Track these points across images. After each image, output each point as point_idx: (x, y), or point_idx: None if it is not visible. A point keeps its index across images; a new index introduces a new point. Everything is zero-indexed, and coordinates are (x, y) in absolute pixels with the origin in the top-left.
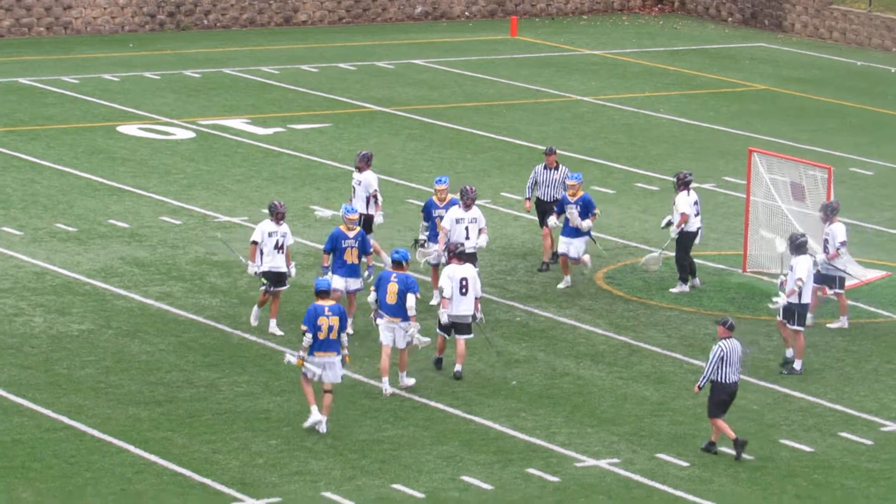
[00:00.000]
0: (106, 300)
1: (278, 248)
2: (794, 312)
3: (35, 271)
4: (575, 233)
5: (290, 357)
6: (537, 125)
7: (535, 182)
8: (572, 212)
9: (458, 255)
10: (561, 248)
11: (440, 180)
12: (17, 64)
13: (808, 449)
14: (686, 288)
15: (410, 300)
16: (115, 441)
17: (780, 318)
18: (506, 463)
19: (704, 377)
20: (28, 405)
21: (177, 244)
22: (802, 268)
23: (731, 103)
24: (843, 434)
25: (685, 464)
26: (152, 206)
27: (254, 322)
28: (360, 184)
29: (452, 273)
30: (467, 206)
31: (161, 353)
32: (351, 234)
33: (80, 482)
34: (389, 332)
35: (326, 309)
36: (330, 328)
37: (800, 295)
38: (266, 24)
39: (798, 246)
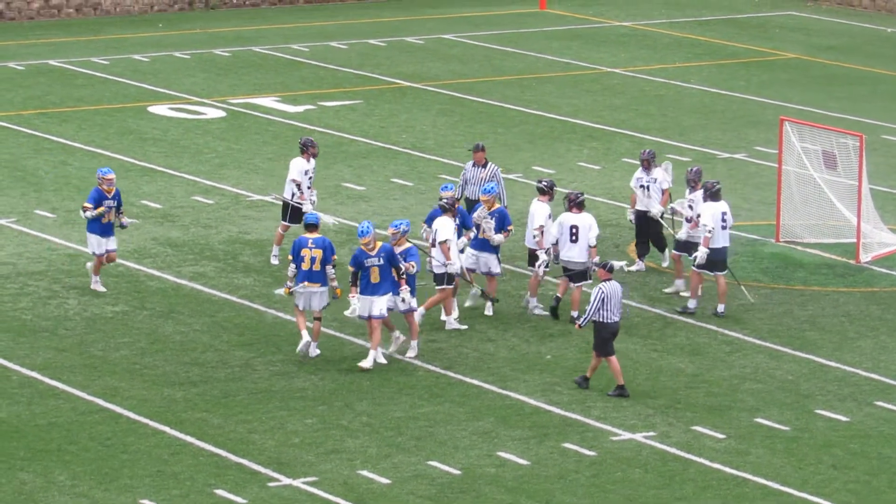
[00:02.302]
0: (139, 281)
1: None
2: (709, 260)
3: (68, 254)
4: (484, 246)
5: (279, 290)
6: (568, 98)
7: (465, 181)
8: (489, 223)
9: (577, 203)
10: (468, 262)
11: (445, 187)
12: (47, 46)
13: (843, 419)
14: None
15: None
16: (150, 423)
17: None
18: (542, 438)
19: (586, 317)
20: (63, 388)
21: (209, 224)
22: (707, 214)
23: (761, 73)
24: (879, 403)
25: (721, 436)
26: (184, 187)
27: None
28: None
29: (564, 220)
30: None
31: (195, 333)
32: (373, 253)
33: (116, 464)
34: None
35: (310, 241)
36: (313, 259)
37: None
38: (295, 2)
39: (713, 193)
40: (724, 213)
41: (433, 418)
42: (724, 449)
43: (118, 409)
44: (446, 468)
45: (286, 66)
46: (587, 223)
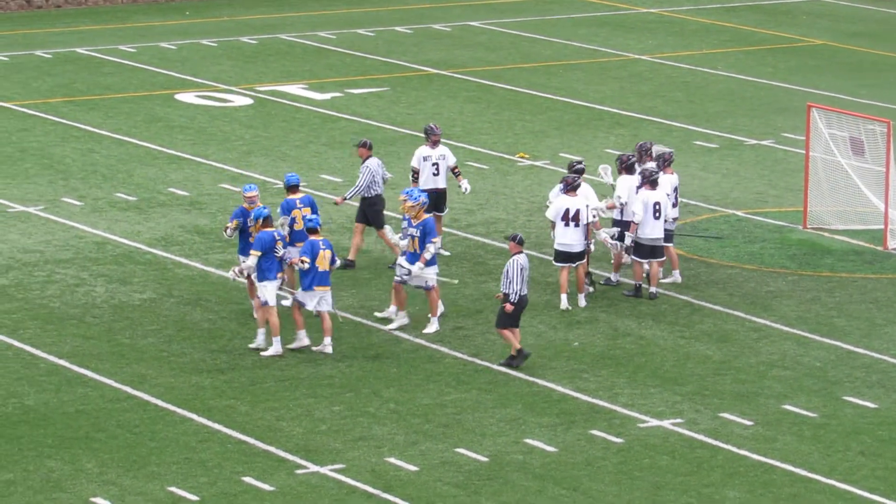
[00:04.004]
0: (167, 269)
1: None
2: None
3: (96, 241)
4: (415, 260)
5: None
6: (595, 85)
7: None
8: (413, 234)
9: (651, 181)
10: (401, 273)
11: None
12: (75, 34)
13: (871, 405)
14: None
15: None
16: (178, 410)
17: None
18: (569, 425)
19: (515, 293)
20: (91, 375)
21: None
22: (622, 187)
23: (788, 59)
24: None
25: (749, 423)
26: (212, 174)
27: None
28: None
29: (646, 198)
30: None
31: (223, 320)
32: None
33: (144, 452)
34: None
35: (298, 202)
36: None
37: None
38: None
39: (628, 167)
40: (656, 203)
41: (460, 405)
42: (751, 436)
43: (146, 397)
44: (474, 455)
45: (313, 54)
46: (663, 198)
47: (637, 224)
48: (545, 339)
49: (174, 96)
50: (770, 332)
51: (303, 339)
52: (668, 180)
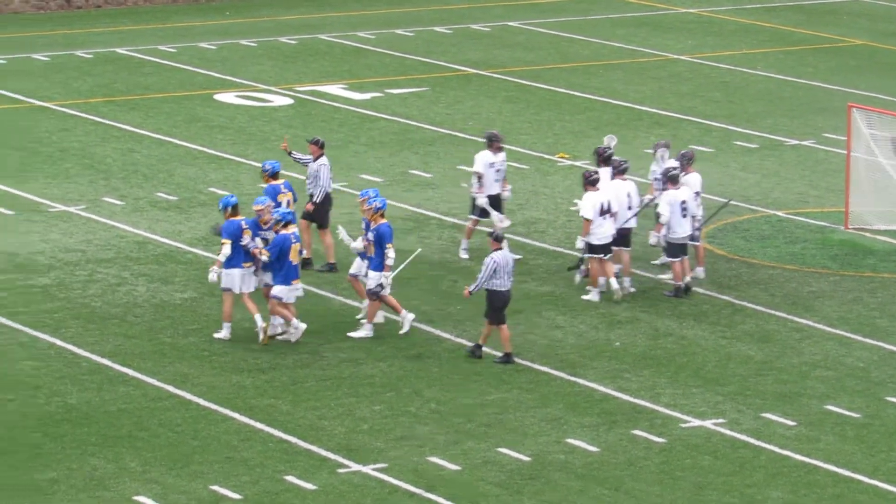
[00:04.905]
0: (208, 268)
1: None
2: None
3: (137, 241)
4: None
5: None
6: (634, 85)
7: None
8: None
9: (672, 178)
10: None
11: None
12: (115, 34)
13: None
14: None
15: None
16: (220, 409)
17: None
18: (611, 425)
19: (478, 285)
20: (133, 374)
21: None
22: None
23: (828, 59)
24: None
25: (791, 423)
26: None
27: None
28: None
29: (672, 197)
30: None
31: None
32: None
33: (186, 450)
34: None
35: (282, 186)
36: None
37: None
38: None
39: (671, 178)
40: (683, 202)
41: (502, 405)
42: (794, 436)
43: (188, 396)
44: (516, 455)
45: (352, 54)
46: (689, 197)
47: (663, 224)
48: (586, 339)
49: (214, 96)
50: (812, 333)
51: (299, 327)
52: (695, 179)
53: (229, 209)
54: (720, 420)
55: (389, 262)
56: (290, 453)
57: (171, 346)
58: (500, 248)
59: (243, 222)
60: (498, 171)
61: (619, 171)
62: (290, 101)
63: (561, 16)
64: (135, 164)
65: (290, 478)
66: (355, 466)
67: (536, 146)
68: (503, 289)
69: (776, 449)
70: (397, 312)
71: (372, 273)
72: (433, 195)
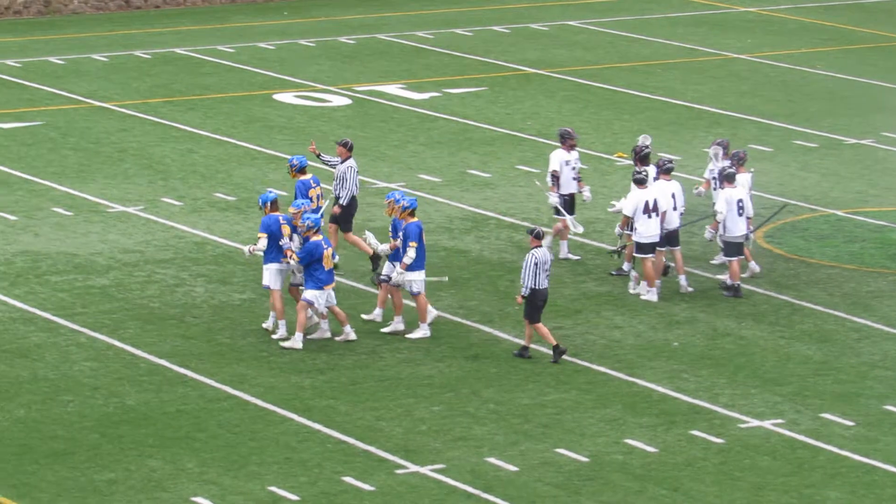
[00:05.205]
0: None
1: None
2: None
3: (195, 241)
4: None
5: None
6: (693, 84)
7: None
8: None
9: (728, 177)
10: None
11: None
12: (174, 34)
13: None
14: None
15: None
16: (278, 410)
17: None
18: (669, 425)
19: (526, 286)
20: (191, 375)
21: None
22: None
23: (889, 58)
24: None
25: (850, 423)
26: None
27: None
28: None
29: (729, 195)
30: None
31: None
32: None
33: (244, 451)
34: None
35: (311, 181)
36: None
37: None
38: None
39: (727, 176)
40: (739, 200)
41: (560, 405)
42: (853, 436)
43: (246, 397)
44: (574, 455)
45: (411, 54)
46: (745, 195)
47: (719, 221)
48: (645, 339)
49: (273, 96)
50: (871, 333)
51: (325, 331)
52: (745, 178)
53: (268, 205)
54: (779, 420)
55: (407, 260)
56: (348, 454)
57: (229, 347)
58: (540, 246)
59: (281, 218)
60: (573, 168)
61: (663, 171)
62: (348, 101)
63: (620, 15)
64: (193, 165)
65: (347, 479)
66: (413, 467)
67: (595, 146)
68: (542, 287)
69: (835, 449)
70: (375, 307)
71: (388, 263)
72: (491, 195)
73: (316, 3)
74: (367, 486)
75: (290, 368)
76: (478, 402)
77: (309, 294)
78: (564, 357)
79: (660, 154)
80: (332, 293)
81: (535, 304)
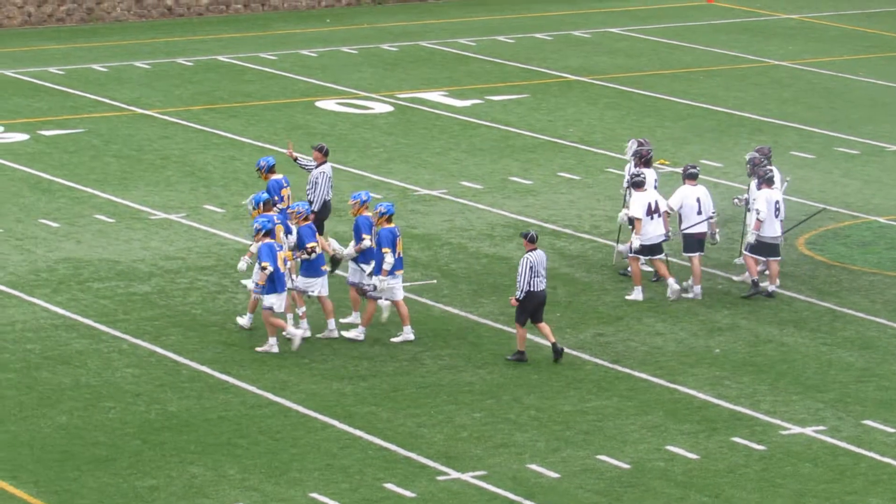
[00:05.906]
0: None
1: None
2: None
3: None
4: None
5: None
6: (735, 91)
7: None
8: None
9: (767, 180)
10: (356, 277)
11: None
12: (216, 42)
13: None
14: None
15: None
16: (319, 416)
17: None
18: (710, 432)
19: (521, 290)
20: (233, 382)
21: None
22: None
23: None
24: None
25: (892, 430)
26: (352, 181)
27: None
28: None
29: (769, 196)
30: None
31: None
32: None
33: (285, 458)
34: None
35: (283, 180)
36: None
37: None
38: None
39: (767, 179)
40: (777, 202)
41: (602, 412)
42: (895, 443)
43: (287, 403)
44: (615, 462)
45: (453, 61)
46: (781, 198)
47: (762, 221)
48: (686, 345)
49: (315, 104)
50: None
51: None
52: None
53: (261, 205)
54: (820, 427)
55: (386, 266)
56: (390, 461)
57: (270, 354)
58: (534, 249)
59: (276, 218)
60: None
61: (688, 176)
62: (390, 108)
63: (662, 22)
64: (235, 172)
65: (389, 485)
66: (454, 474)
67: None
68: (538, 289)
69: (877, 456)
70: (353, 310)
71: (376, 277)
72: (533, 202)
73: (358, 10)
74: (408, 493)
75: (332, 375)
76: (519, 408)
77: (267, 301)
78: (606, 364)
79: (702, 161)
80: (326, 284)
81: (528, 307)
